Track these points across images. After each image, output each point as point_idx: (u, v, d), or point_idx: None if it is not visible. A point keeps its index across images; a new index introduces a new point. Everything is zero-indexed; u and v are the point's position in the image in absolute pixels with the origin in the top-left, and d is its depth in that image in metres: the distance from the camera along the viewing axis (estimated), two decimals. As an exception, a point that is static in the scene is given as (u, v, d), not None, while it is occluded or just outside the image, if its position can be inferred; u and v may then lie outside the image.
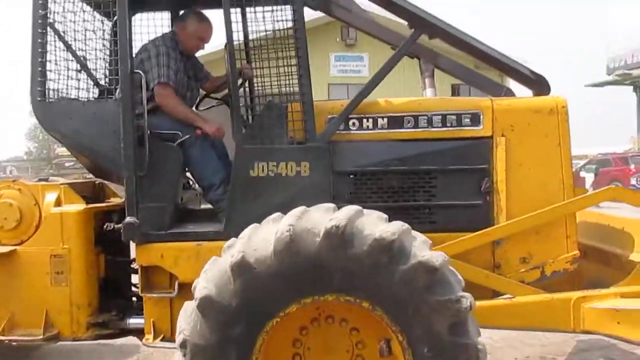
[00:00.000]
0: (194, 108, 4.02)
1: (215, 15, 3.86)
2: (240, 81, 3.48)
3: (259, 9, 3.41)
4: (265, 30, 3.40)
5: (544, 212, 3.15)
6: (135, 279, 3.73)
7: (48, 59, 3.15)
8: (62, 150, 23.20)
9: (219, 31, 3.57)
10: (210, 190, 3.37)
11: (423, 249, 2.56)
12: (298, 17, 3.16)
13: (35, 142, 45.99)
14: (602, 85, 30.21)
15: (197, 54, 3.90)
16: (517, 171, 3.22)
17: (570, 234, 3.22)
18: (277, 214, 2.71)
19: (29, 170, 25.10)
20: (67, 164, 21.50)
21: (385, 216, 2.71)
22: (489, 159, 3.23)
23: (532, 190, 3.22)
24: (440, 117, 3.25)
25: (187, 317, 2.57)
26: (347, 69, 20.75)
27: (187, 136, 3.27)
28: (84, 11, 3.35)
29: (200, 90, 3.99)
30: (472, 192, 3.23)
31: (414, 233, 2.66)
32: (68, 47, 3.30)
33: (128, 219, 3.11)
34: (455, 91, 16.67)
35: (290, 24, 3.40)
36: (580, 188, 3.38)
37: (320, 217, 2.57)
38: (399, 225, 2.56)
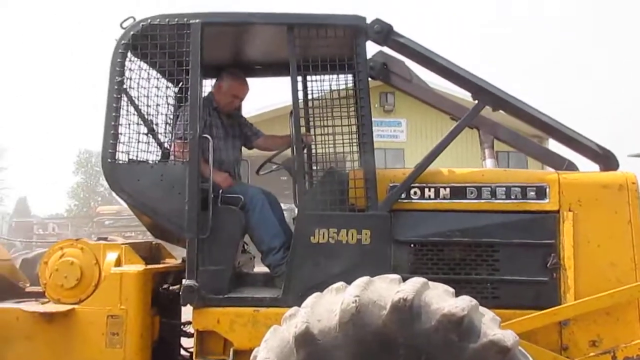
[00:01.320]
0: (249, 171, 4.09)
1: (262, 81, 4.01)
2: None
3: (322, 77, 3.52)
4: (328, 98, 3.48)
5: (615, 292, 3.01)
6: (184, 342, 3.69)
7: (120, 122, 3.26)
8: (103, 209, 23.76)
9: (266, 95, 3.74)
10: (269, 254, 3.35)
11: (493, 327, 2.45)
12: (362, 86, 3.22)
13: (76, 200, 47.26)
14: (645, 155, 29.56)
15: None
16: (585, 248, 3.10)
17: (645, 317, 3.05)
18: (340, 283, 2.66)
19: (69, 228, 25.63)
20: (106, 222, 21.91)
21: (452, 290, 2.63)
22: (556, 234, 3.13)
23: (601, 268, 3.09)
24: (504, 189, 3.20)
25: (247, 388, 2.49)
26: (384, 134, 20.98)
27: (250, 200, 3.30)
28: (157, 79, 3.49)
29: (256, 149, 4.06)
30: (538, 268, 3.12)
31: (483, 309, 2.55)
32: (138, 112, 3.42)
33: (188, 282, 3.10)
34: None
35: (351, 92, 3.49)
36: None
37: (386, 289, 2.50)
38: (467, 301, 2.47)
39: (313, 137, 3.62)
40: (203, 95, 3.76)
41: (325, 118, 3.50)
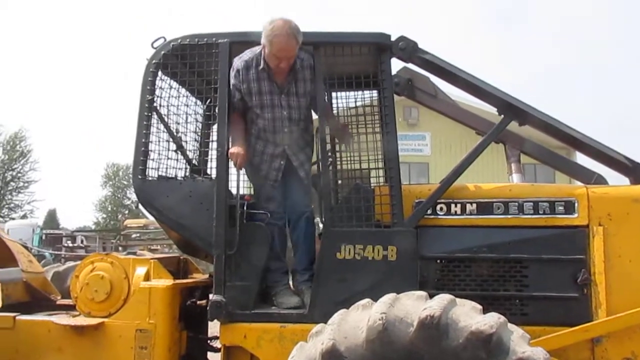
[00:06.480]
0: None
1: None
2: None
3: (347, 93, 3.55)
4: (354, 115, 3.51)
5: (649, 309, 2.94)
6: (211, 357, 3.71)
7: (150, 140, 3.33)
8: (130, 222, 24.13)
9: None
10: (270, 269, 3.35)
11: (522, 344, 2.43)
12: (388, 103, 3.23)
13: (104, 213, 48.11)
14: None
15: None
16: (616, 263, 3.05)
17: (680, 334, 2.98)
18: (366, 300, 2.66)
19: (97, 240, 26.10)
20: (133, 236, 22.22)
21: (480, 307, 2.61)
22: (585, 249, 3.08)
23: (634, 283, 3.03)
24: (531, 204, 3.17)
25: (273, 405, 2.49)
26: (408, 148, 20.90)
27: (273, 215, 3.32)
28: (186, 97, 3.57)
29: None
30: (568, 283, 3.07)
31: (511, 326, 2.53)
32: (168, 129, 3.48)
33: (215, 297, 3.12)
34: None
35: (376, 108, 3.51)
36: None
37: (413, 306, 2.50)
38: (495, 318, 2.45)
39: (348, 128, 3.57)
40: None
41: (350, 134, 3.53)
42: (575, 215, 3.13)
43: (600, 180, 3.50)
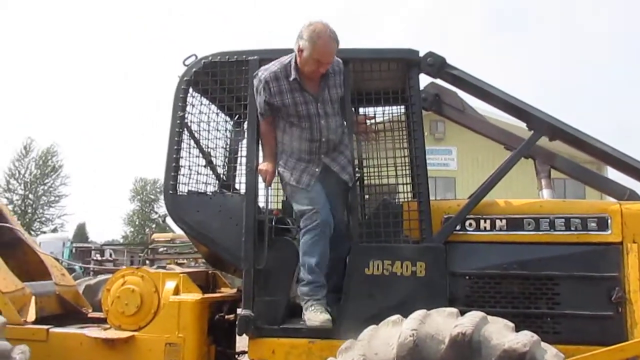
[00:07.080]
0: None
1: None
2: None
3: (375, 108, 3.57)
4: (381, 130, 3.52)
5: (687, 328, 2.86)
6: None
7: (181, 155, 3.39)
8: (158, 236, 24.41)
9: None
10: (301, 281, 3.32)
11: (556, 364, 2.38)
12: (416, 119, 3.24)
13: (131, 227, 48.84)
14: None
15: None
16: None
17: None
18: (396, 316, 2.64)
19: (125, 254, 26.44)
20: (160, 249, 22.43)
21: (512, 325, 2.57)
22: (620, 266, 3.02)
23: None
24: (563, 220, 3.12)
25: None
26: (435, 163, 20.75)
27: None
28: (217, 113, 3.63)
29: None
30: (601, 301, 3.01)
31: (545, 345, 2.48)
32: (198, 145, 3.54)
33: (244, 312, 3.14)
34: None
35: (404, 123, 3.51)
36: None
37: (444, 323, 2.47)
38: (528, 336, 2.41)
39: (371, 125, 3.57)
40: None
41: (378, 149, 3.54)
42: (609, 232, 3.08)
43: (634, 196, 3.43)
